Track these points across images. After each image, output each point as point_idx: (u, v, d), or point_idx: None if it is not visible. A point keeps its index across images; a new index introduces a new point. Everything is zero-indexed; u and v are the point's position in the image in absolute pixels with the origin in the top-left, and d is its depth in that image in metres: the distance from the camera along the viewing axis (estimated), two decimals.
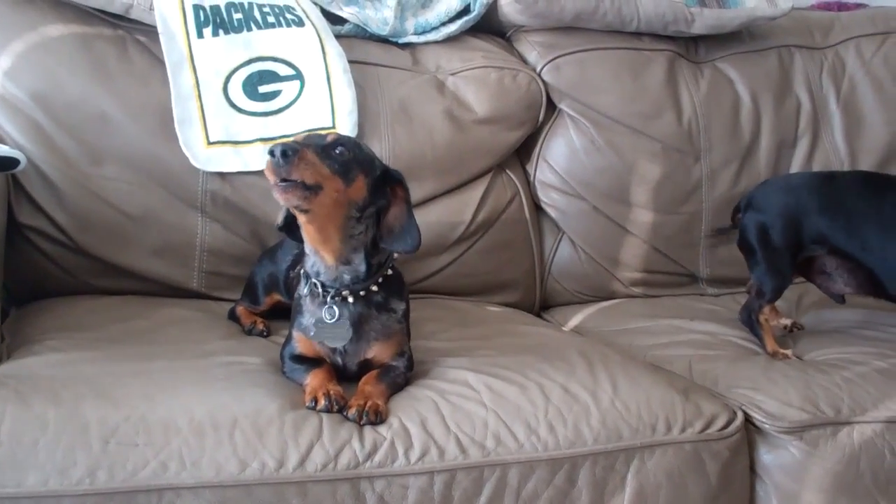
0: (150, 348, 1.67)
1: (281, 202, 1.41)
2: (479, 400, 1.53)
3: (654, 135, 2.37)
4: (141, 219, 1.98)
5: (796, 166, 2.50)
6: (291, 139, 1.43)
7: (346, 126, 2.07)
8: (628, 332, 2.14)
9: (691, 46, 2.52)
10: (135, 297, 1.98)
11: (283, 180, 1.36)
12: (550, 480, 1.47)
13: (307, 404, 1.46)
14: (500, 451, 1.46)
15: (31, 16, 2.00)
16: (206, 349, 1.69)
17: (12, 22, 1.99)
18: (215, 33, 2.04)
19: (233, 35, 2.05)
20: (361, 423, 1.43)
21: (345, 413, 1.45)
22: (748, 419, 1.67)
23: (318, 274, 1.54)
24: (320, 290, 1.53)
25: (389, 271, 1.58)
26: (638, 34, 2.44)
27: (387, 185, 1.53)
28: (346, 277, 1.52)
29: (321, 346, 1.57)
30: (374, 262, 1.54)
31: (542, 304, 2.40)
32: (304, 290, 1.58)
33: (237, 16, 2.07)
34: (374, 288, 1.55)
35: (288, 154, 1.35)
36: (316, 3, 2.23)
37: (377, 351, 1.58)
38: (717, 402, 1.68)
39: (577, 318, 2.27)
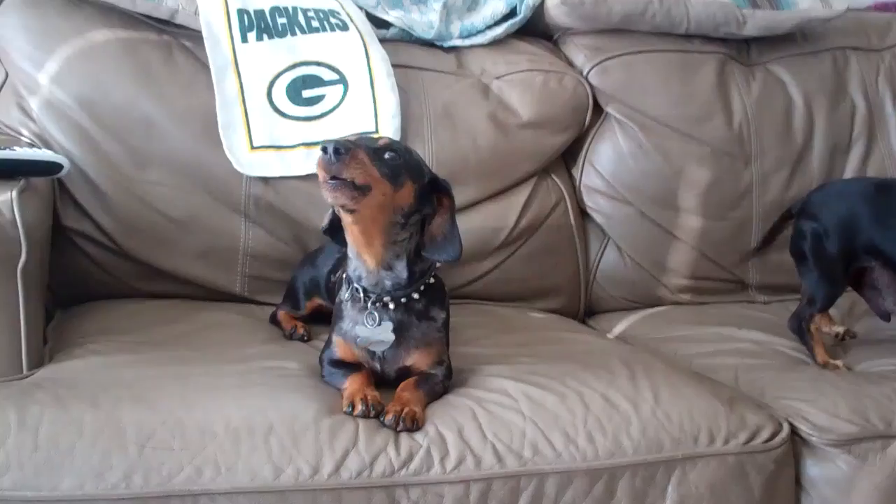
0: (190, 352, 1.67)
1: (329, 200, 1.41)
2: (516, 408, 1.50)
3: (704, 138, 2.33)
4: (185, 223, 1.99)
5: (850, 171, 2.44)
6: (344, 138, 1.43)
7: (389, 130, 2.06)
8: (674, 339, 2.10)
9: (743, 48, 2.47)
10: (178, 301, 1.99)
11: (333, 178, 1.36)
12: (589, 491, 1.44)
13: (345, 409, 1.45)
14: (538, 460, 1.43)
15: (78, 21, 2.02)
16: (245, 353, 1.69)
17: (59, 27, 2.00)
18: (259, 38, 2.04)
19: (277, 40, 2.06)
20: (398, 429, 1.42)
21: (382, 419, 1.43)
22: (794, 431, 1.63)
23: (359, 278, 1.53)
24: (361, 294, 1.53)
25: (431, 280, 1.58)
26: (688, 36, 2.40)
27: (433, 193, 1.53)
28: (388, 283, 1.52)
29: (360, 352, 1.56)
30: (417, 269, 1.54)
31: (586, 311, 2.36)
32: (345, 294, 1.57)
33: (281, 20, 2.07)
34: (416, 296, 1.54)
35: (341, 151, 1.35)
36: (361, 7, 2.23)
37: (416, 359, 1.57)
38: (763, 413, 1.64)
39: (622, 325, 2.24)
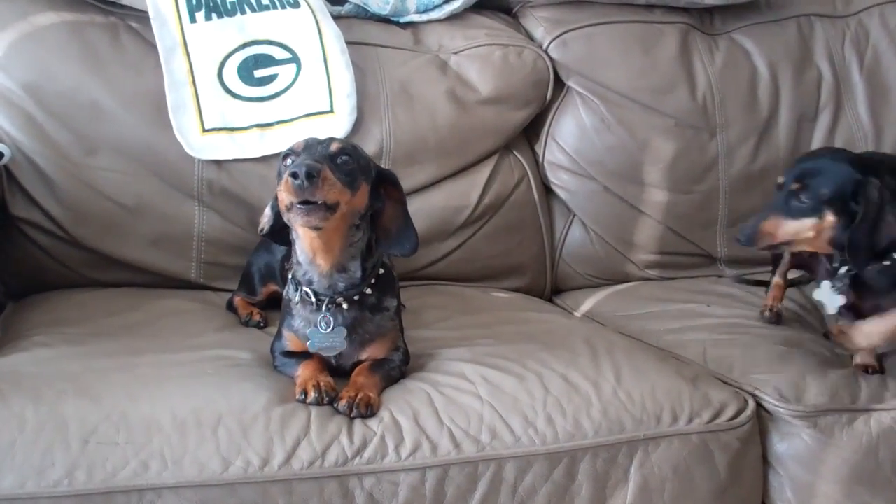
0: (140, 342, 1.63)
1: (299, 224, 1.40)
2: (474, 392, 1.48)
3: (667, 111, 2.29)
4: (136, 209, 1.94)
5: (818, 141, 2.41)
6: (303, 155, 1.40)
7: (345, 109, 2.02)
8: (642, 316, 2.07)
9: (706, 18, 2.43)
10: (132, 289, 1.95)
11: (305, 202, 1.34)
12: (549, 475, 1.42)
13: (297, 397, 1.42)
14: (496, 445, 1.41)
15: (22, 4, 1.96)
16: (197, 342, 1.65)
17: (2, 11, 1.94)
18: (208, 17, 1.99)
19: (226, 18, 2.00)
20: (352, 415, 1.39)
21: (335, 405, 1.41)
22: (760, 405, 1.61)
23: (310, 283, 1.51)
24: (313, 298, 1.50)
25: (381, 270, 1.56)
26: (649, 6, 2.35)
27: (381, 185, 1.51)
28: (341, 285, 1.50)
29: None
30: (369, 265, 1.52)
31: (553, 289, 2.33)
32: (294, 296, 1.54)
33: None
34: (368, 291, 1.52)
35: (314, 176, 1.32)
36: None
37: (372, 351, 1.55)
38: (728, 390, 1.62)
39: (589, 302, 2.20)
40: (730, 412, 1.55)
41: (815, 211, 1.64)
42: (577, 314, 2.14)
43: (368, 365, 1.52)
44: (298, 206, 1.34)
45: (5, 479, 1.24)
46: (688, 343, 1.87)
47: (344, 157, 1.42)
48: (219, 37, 1.98)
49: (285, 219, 1.43)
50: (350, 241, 1.47)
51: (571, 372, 1.55)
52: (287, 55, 2.02)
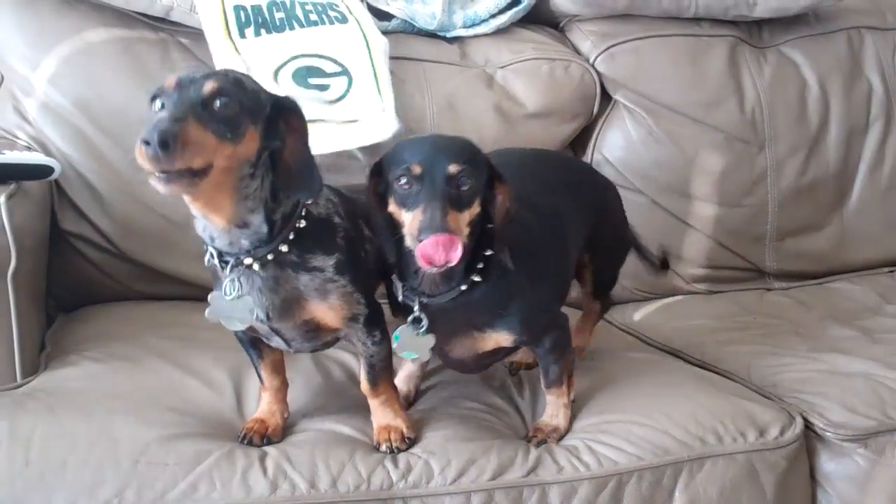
0: (187, 359, 1.64)
1: (163, 193, 1.15)
2: (519, 418, 1.48)
3: (716, 124, 2.27)
4: (183, 223, 1.94)
5: (868, 154, 2.39)
6: (167, 105, 1.17)
7: (396, 124, 2.01)
8: (688, 330, 2.06)
9: (754, 31, 2.41)
10: (178, 302, 1.97)
11: (164, 171, 1.12)
12: (594, 500, 1.41)
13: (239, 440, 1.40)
14: (540, 472, 1.40)
15: (74, 20, 1.98)
16: (243, 358, 1.65)
17: (55, 27, 1.97)
18: (257, 33, 1.99)
19: (275, 34, 2.01)
20: (396, 452, 1.39)
21: (377, 447, 1.40)
22: (808, 426, 1.59)
23: (212, 239, 1.29)
24: (216, 259, 1.30)
25: (302, 223, 1.31)
26: (697, 19, 2.34)
27: (279, 118, 1.27)
28: (245, 242, 1.27)
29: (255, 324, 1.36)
30: (278, 218, 1.28)
31: None
32: (205, 257, 1.34)
33: (279, 15, 2.02)
34: (284, 248, 1.29)
35: (168, 144, 1.09)
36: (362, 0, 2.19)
37: (314, 313, 1.34)
38: (774, 407, 1.61)
39: (636, 315, 2.19)
40: (775, 431, 1.54)
41: None
42: (622, 327, 2.12)
43: (365, 379, 1.42)
44: (158, 174, 1.12)
45: (57, 496, 1.27)
46: (732, 357, 1.86)
47: (223, 100, 1.17)
48: (269, 52, 1.98)
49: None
50: (243, 193, 1.24)
51: (614, 395, 1.54)
52: (337, 68, 2.01)
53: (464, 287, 1.36)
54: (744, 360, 1.83)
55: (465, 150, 1.32)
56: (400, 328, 1.39)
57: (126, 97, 1.95)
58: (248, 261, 1.28)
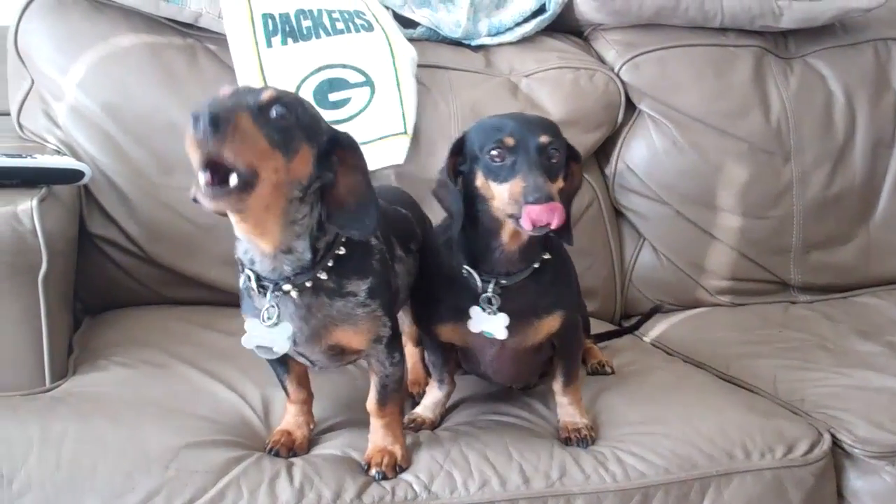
0: (215, 365, 1.65)
1: (209, 209, 1.12)
2: (543, 429, 1.47)
3: (741, 135, 2.27)
4: (210, 228, 1.96)
5: (895, 166, 2.36)
6: (221, 98, 1.12)
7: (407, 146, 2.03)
8: (712, 342, 2.05)
9: (780, 41, 2.41)
10: (205, 308, 1.97)
11: (211, 163, 1.06)
12: None
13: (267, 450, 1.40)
14: (566, 481, 1.39)
15: (103, 26, 1.99)
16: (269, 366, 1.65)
17: (84, 32, 1.98)
18: (284, 42, 2.01)
19: (302, 43, 2.02)
20: (387, 478, 1.36)
21: (367, 473, 1.37)
22: (836, 442, 1.58)
23: (252, 262, 1.26)
24: (254, 283, 1.27)
25: (342, 249, 1.28)
26: (722, 30, 2.34)
27: (334, 152, 1.24)
28: (288, 268, 1.25)
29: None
30: (321, 245, 1.26)
31: (622, 313, 2.31)
32: (240, 280, 1.32)
33: (306, 23, 2.03)
34: (323, 276, 1.27)
35: (220, 122, 1.02)
36: (387, 7, 2.19)
37: (341, 338, 1.32)
38: (802, 423, 1.60)
39: (659, 327, 2.18)
40: (803, 447, 1.52)
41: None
42: (647, 340, 2.12)
43: (373, 399, 1.40)
44: (202, 173, 1.06)
45: (87, 500, 1.27)
46: (758, 370, 1.85)
47: (278, 110, 1.13)
48: (294, 61, 2.00)
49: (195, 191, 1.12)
50: (292, 217, 1.21)
51: (640, 407, 1.54)
52: (361, 78, 2.03)
53: (537, 265, 1.40)
54: (770, 374, 1.82)
55: (552, 125, 1.38)
56: (472, 308, 1.40)
57: (154, 102, 1.96)
58: (286, 287, 1.26)
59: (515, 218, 1.29)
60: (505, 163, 1.31)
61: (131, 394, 1.50)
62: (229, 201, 1.09)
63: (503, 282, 1.40)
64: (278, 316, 1.27)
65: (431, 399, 1.58)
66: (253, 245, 1.24)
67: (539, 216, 1.25)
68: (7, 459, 1.29)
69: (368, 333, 1.32)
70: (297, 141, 1.15)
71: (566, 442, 1.46)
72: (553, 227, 1.26)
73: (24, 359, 1.53)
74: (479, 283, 1.40)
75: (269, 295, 1.26)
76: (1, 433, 1.34)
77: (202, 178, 1.07)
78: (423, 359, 1.74)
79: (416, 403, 1.62)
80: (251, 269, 1.26)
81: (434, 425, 1.56)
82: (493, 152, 1.32)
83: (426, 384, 1.70)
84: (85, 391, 1.51)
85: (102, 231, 1.95)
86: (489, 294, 1.40)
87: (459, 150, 1.39)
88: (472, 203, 1.37)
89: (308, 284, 1.26)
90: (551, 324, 1.45)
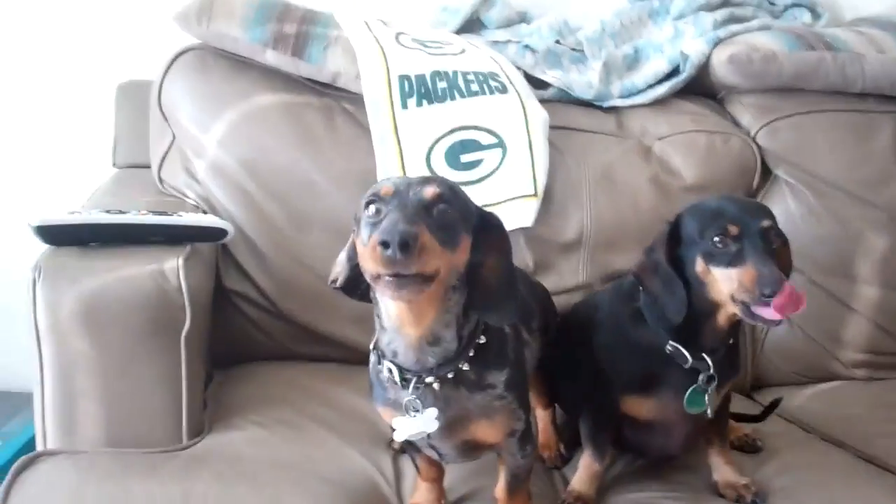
0: (348, 429, 1.66)
1: (389, 297, 1.13)
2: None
3: (881, 203, 2.19)
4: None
5: None
6: (392, 209, 1.13)
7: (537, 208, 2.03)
8: (849, 418, 1.96)
9: None
10: (336, 365, 1.98)
11: (397, 274, 1.08)
12: None
13: None
14: None
15: (243, 85, 2.04)
16: None
17: (225, 91, 2.03)
18: (419, 104, 2.03)
19: (437, 105, 2.03)
20: None
21: None
22: None
23: (395, 354, 1.25)
24: (397, 376, 1.25)
25: (482, 339, 1.26)
26: (862, 95, 2.26)
27: (482, 233, 1.22)
28: (431, 360, 1.23)
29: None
30: (465, 334, 1.24)
31: (753, 384, 2.24)
32: (378, 365, 1.30)
33: (441, 84, 2.05)
34: (465, 367, 1.25)
35: (409, 245, 1.05)
36: (519, 68, 2.20)
37: (476, 433, 1.30)
38: None
39: (792, 400, 2.10)
40: None
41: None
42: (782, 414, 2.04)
43: (503, 488, 1.39)
44: (388, 278, 1.08)
45: None
46: None
47: (442, 207, 1.14)
48: (428, 123, 2.02)
49: (368, 280, 1.14)
50: (445, 306, 1.20)
51: (786, 490, 1.49)
52: (493, 140, 2.03)
53: (731, 340, 1.47)
54: None
55: (768, 209, 1.42)
56: (693, 390, 1.43)
57: (291, 159, 2.00)
58: (429, 379, 1.24)
59: (745, 304, 1.32)
60: (728, 249, 1.35)
61: (267, 455, 1.51)
62: (412, 291, 1.09)
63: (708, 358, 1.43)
64: (422, 407, 1.25)
65: (589, 473, 1.55)
66: (400, 336, 1.22)
67: (786, 307, 1.28)
68: None
69: (504, 427, 1.30)
70: (459, 234, 1.16)
71: (737, 501, 1.48)
72: (799, 311, 1.28)
73: (163, 416, 1.55)
74: (689, 359, 1.42)
75: (411, 388, 1.24)
76: (144, 492, 1.36)
77: (388, 280, 1.08)
78: (553, 421, 1.72)
79: (548, 469, 1.60)
80: (392, 361, 1.25)
81: (591, 502, 1.53)
82: (716, 238, 1.35)
83: (557, 448, 1.68)
84: (222, 451, 1.52)
85: (237, 286, 1.99)
86: (710, 373, 1.42)
87: (676, 235, 1.42)
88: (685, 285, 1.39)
89: (450, 376, 1.24)
90: (728, 387, 1.51)
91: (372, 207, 1.16)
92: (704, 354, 1.43)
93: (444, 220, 1.14)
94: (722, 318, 1.41)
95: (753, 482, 1.51)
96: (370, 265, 1.09)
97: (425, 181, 1.17)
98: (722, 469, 1.54)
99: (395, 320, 1.21)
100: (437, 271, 1.10)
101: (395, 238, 1.04)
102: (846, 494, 1.51)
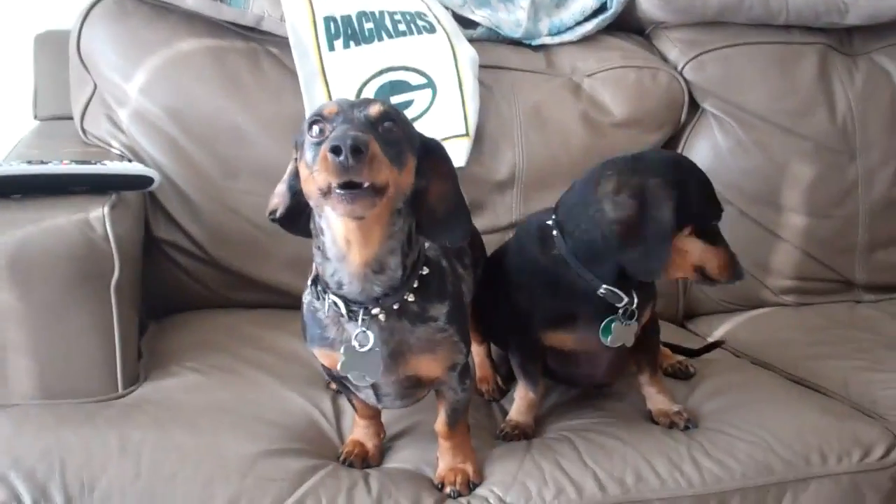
0: (286, 371, 1.65)
1: (340, 212, 1.10)
2: (616, 434, 1.46)
3: (806, 133, 2.24)
4: (274, 231, 1.91)
5: None
6: (339, 123, 1.11)
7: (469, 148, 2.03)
8: (778, 343, 2.02)
9: (845, 38, 2.37)
10: (271, 311, 1.96)
11: (348, 184, 1.06)
12: None
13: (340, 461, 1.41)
14: (641, 487, 1.39)
15: (165, 31, 1.99)
16: None
17: (146, 38, 1.98)
18: (346, 45, 2.00)
19: (364, 46, 2.01)
20: (461, 496, 1.35)
21: (442, 489, 1.37)
22: None
23: (340, 285, 1.21)
24: (343, 308, 1.22)
25: (425, 269, 1.26)
26: (787, 27, 2.30)
27: (425, 159, 1.20)
28: (377, 289, 1.20)
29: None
30: (409, 262, 1.22)
31: (685, 313, 2.28)
32: (314, 301, 1.27)
33: (368, 25, 2.03)
34: (410, 297, 1.23)
35: (361, 151, 1.03)
36: (447, 7, 2.18)
37: (419, 367, 1.29)
38: (876, 426, 1.58)
39: (723, 328, 2.15)
40: (879, 451, 1.51)
41: None
42: (711, 340, 2.09)
43: (442, 420, 1.38)
44: (339, 190, 1.05)
45: None
46: (827, 372, 1.82)
47: (388, 124, 1.12)
48: (356, 64, 2.00)
49: (314, 204, 1.15)
50: (389, 231, 1.18)
51: (713, 409, 1.53)
52: (423, 80, 2.02)
53: None
54: (840, 376, 1.80)
55: None
56: (614, 324, 1.43)
57: (217, 105, 1.97)
58: (375, 310, 1.22)
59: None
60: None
61: (205, 400, 1.50)
62: (364, 204, 1.07)
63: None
64: (371, 341, 1.23)
65: (525, 403, 1.56)
66: (344, 265, 1.19)
67: None
68: (87, 468, 1.30)
69: (445, 361, 1.29)
70: (405, 153, 1.14)
71: (670, 427, 1.50)
72: None
73: (96, 365, 1.53)
74: (624, 298, 1.42)
75: (359, 319, 1.22)
76: (80, 441, 1.34)
77: (339, 193, 1.06)
78: (489, 355, 1.74)
79: (487, 402, 1.63)
80: (336, 294, 1.23)
81: (530, 431, 1.54)
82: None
83: (494, 380, 1.70)
84: (159, 398, 1.51)
85: (167, 235, 1.96)
86: (635, 308, 1.44)
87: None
88: None
89: (395, 307, 1.22)
90: (647, 316, 1.52)
91: (315, 128, 1.13)
92: (633, 290, 1.44)
93: (390, 138, 1.12)
94: None
95: (685, 409, 1.55)
96: (321, 177, 1.06)
97: (369, 101, 1.15)
98: (655, 398, 1.57)
99: (342, 244, 1.18)
100: (386, 184, 1.08)
101: (347, 142, 1.02)
102: (774, 414, 1.55)
